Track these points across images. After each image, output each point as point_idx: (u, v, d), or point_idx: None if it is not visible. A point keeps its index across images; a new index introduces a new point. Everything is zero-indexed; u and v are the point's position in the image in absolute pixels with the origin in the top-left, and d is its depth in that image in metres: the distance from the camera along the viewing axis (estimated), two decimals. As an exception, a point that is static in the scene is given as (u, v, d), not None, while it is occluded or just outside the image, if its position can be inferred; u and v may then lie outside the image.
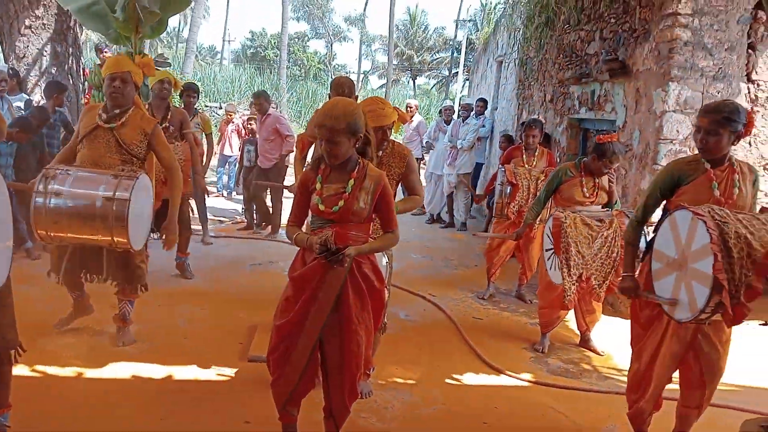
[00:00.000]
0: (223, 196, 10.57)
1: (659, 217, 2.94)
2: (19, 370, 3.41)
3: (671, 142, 4.94)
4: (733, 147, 2.87)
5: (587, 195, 4.30)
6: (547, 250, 4.25)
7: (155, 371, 3.67)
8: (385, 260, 3.29)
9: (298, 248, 2.73)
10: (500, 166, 5.65)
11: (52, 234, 3.45)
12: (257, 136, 7.81)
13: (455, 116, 9.95)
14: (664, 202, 2.99)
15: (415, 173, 3.49)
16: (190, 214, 5.67)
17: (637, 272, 3.05)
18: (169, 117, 5.33)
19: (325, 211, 2.60)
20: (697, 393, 2.94)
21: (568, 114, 6.80)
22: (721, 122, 2.75)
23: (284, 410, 2.75)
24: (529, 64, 8.39)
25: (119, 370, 3.66)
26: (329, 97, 3.59)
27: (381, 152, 3.35)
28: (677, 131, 4.93)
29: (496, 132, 9.91)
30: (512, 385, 3.86)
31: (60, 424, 2.99)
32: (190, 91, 6.63)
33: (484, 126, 9.23)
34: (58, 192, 3.35)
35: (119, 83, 3.60)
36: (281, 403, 2.74)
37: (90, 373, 3.59)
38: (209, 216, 7.44)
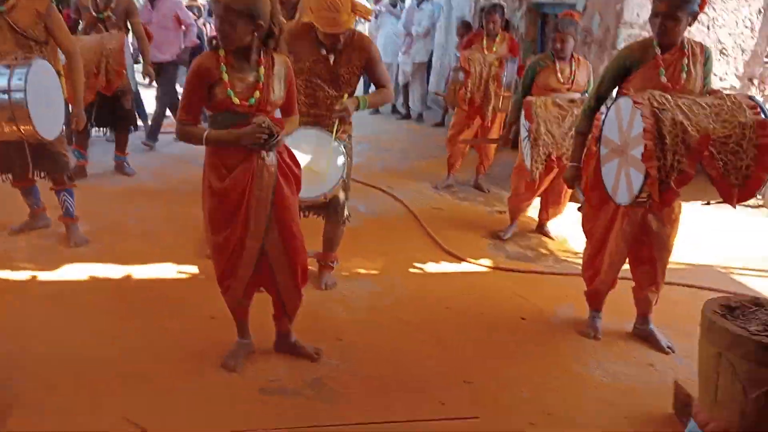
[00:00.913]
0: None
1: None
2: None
3: (631, 26, 4.85)
4: (689, 30, 2.83)
5: (562, 81, 4.24)
6: (524, 139, 4.19)
7: (112, 271, 3.58)
8: (342, 159, 3.19)
9: (209, 155, 2.52)
10: (456, 53, 5.46)
11: None
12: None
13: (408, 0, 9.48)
14: (617, 88, 2.97)
15: (380, 64, 3.30)
16: (133, 110, 5.35)
17: None
18: (112, 5, 4.91)
19: (240, 105, 2.37)
20: (648, 269, 3.06)
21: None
22: (680, 5, 2.68)
23: (239, 306, 2.71)
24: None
25: (74, 271, 3.55)
26: None
27: (339, 46, 3.14)
28: (638, 15, 4.82)
29: (453, 17, 9.56)
30: (473, 272, 3.95)
31: (17, 328, 2.91)
32: None
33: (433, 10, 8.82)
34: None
35: None
36: (234, 304, 2.69)
37: (44, 275, 3.48)
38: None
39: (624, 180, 2.71)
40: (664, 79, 2.80)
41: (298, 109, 2.71)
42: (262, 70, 2.39)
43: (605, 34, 5.04)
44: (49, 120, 3.42)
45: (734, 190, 2.53)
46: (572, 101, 4.11)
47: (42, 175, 3.76)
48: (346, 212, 3.43)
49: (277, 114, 2.60)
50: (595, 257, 3.15)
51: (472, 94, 5.13)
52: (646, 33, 4.84)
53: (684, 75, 2.81)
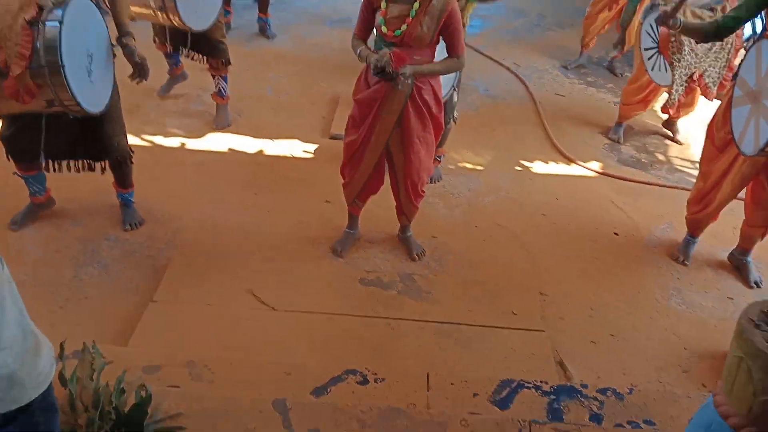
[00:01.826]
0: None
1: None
2: (132, 139, 3.92)
3: None
4: None
5: None
6: (646, 49, 3.88)
7: (248, 144, 4.06)
8: (456, 96, 3.27)
9: (362, 70, 2.79)
10: None
11: None
12: None
13: None
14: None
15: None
16: None
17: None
18: None
19: (388, 34, 2.56)
20: (761, 213, 2.97)
21: None
22: None
23: (353, 204, 3.12)
24: None
25: (216, 141, 4.07)
26: None
27: None
28: None
29: None
30: (579, 175, 4.01)
31: (170, 195, 3.51)
32: None
33: None
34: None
35: None
36: (350, 199, 3.10)
37: (192, 143, 4.04)
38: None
39: (753, 128, 2.58)
40: None
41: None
42: (416, 5, 2.51)
43: None
44: (201, 11, 3.67)
45: None
46: (712, 10, 3.68)
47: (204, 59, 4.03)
48: (455, 113, 3.57)
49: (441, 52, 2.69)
50: (705, 196, 3.09)
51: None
52: None
53: None
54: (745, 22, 2.80)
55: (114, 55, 2.89)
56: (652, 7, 3.83)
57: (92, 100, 2.73)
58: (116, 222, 3.22)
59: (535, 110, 4.73)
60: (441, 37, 2.64)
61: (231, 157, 3.95)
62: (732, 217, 3.31)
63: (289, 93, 4.77)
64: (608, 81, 5.31)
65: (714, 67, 3.82)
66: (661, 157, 4.27)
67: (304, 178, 3.77)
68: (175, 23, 3.61)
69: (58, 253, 3.02)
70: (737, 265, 3.23)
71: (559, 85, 5.21)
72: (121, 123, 3.01)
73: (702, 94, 4.02)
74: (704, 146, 3.08)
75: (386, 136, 2.79)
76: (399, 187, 2.99)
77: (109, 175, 3.12)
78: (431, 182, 3.77)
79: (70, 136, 2.87)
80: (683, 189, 3.74)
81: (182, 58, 4.23)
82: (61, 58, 2.50)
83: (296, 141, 4.13)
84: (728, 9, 3.68)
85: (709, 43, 3.65)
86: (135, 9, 3.59)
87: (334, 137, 4.15)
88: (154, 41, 4.14)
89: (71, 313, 2.72)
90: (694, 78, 3.79)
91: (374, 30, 2.71)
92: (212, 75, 4.15)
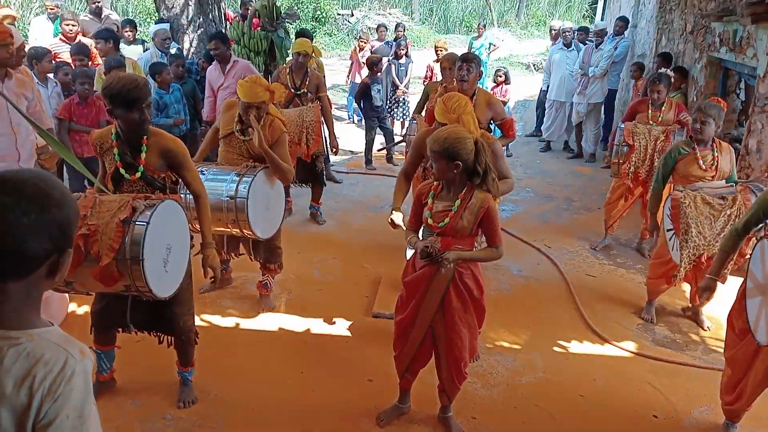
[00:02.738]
0: (353, 123, 11.02)
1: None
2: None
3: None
4: None
5: (705, 169, 4.20)
6: (668, 230, 4.21)
7: (296, 324, 4.34)
8: None
9: (411, 251, 3.15)
10: (620, 125, 5.46)
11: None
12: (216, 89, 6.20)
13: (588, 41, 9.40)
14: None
15: (502, 159, 3.68)
16: (323, 168, 6.18)
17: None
18: (306, 82, 5.79)
19: (433, 225, 2.96)
20: None
21: (708, 51, 6.32)
22: None
23: (404, 377, 3.31)
24: (673, -15, 7.71)
25: (268, 321, 4.37)
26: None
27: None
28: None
29: (636, 53, 9.34)
30: (614, 356, 4.11)
31: (223, 374, 3.74)
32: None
33: (617, 48, 8.69)
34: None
35: (255, 112, 3.98)
36: (401, 371, 3.31)
37: (245, 323, 4.35)
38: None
39: (765, 319, 2.73)
40: None
41: None
42: (458, 201, 2.93)
43: (785, 106, 4.80)
44: (268, 221, 4.11)
45: None
46: (723, 198, 4.03)
47: (259, 260, 4.43)
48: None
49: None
50: (736, 384, 3.15)
51: (636, 167, 5.19)
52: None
53: None
54: (753, 227, 3.08)
55: (192, 246, 3.30)
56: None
57: (163, 286, 3.09)
58: (173, 401, 3.42)
59: (567, 290, 4.95)
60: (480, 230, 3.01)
61: (280, 336, 4.22)
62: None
63: (335, 274, 5.14)
64: (637, 262, 5.56)
65: None
66: (695, 337, 4.36)
67: (348, 357, 3.97)
68: (246, 234, 3.98)
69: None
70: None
71: (589, 266, 5.48)
72: (189, 305, 3.34)
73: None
74: (726, 334, 3.22)
75: (431, 314, 3.05)
76: (442, 366, 3.17)
77: (169, 354, 3.40)
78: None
79: (147, 313, 3.22)
80: (719, 370, 3.79)
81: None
82: (142, 252, 2.91)
83: (341, 320, 4.40)
84: (739, 199, 4.02)
85: (718, 228, 3.94)
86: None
87: (376, 316, 4.41)
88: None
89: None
90: (703, 260, 4.02)
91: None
92: (263, 273, 4.49)
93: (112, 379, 3.51)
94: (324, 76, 6.97)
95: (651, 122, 5.32)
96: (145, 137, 3.03)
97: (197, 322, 4.20)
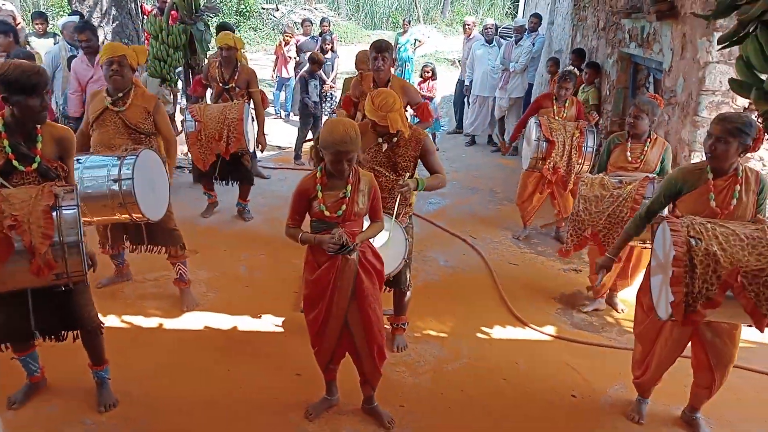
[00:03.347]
0: (281, 118, 10.90)
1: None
2: (112, 320, 4.11)
3: (713, 93, 4.88)
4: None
5: (630, 160, 4.39)
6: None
7: (222, 322, 4.26)
8: (404, 243, 3.64)
9: (307, 251, 3.13)
10: (536, 120, 5.62)
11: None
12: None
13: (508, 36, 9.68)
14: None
15: (433, 154, 3.67)
16: (251, 168, 6.06)
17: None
18: (236, 77, 5.67)
19: (330, 216, 2.96)
20: (706, 375, 3.20)
21: (619, 46, 6.64)
22: (732, 132, 2.87)
23: (327, 369, 3.30)
24: (586, -17, 8.04)
25: (192, 320, 4.27)
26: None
27: (395, 139, 3.57)
28: (720, 82, 4.85)
29: (553, 49, 9.68)
30: (535, 339, 4.27)
31: (146, 375, 3.64)
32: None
33: (534, 45, 8.99)
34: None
35: (117, 66, 3.95)
36: (323, 366, 3.29)
37: (168, 323, 4.23)
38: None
39: (664, 296, 2.89)
40: (713, 204, 3.00)
41: None
42: (349, 187, 2.96)
43: (688, 99, 5.10)
44: (155, 203, 3.96)
45: (765, 320, 2.63)
46: (620, 183, 4.20)
47: (163, 250, 4.33)
48: (408, 281, 3.87)
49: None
50: (644, 359, 3.35)
51: (555, 163, 5.40)
52: (729, 100, 4.88)
53: (734, 202, 2.98)
54: (656, 213, 3.28)
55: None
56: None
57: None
58: (92, 405, 3.29)
59: (491, 279, 5.10)
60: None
61: (206, 334, 4.13)
62: (683, 375, 3.52)
63: (262, 270, 5.08)
64: (557, 249, 5.77)
65: (609, 229, 4.15)
66: (610, 320, 4.59)
67: (276, 352, 3.94)
68: (135, 218, 3.80)
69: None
70: (688, 423, 3.41)
71: (511, 254, 5.66)
72: (89, 295, 3.16)
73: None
74: (635, 311, 3.42)
75: (345, 305, 3.05)
76: (361, 355, 3.17)
77: (85, 356, 3.26)
78: (397, 351, 3.98)
79: (51, 313, 3.04)
80: (632, 349, 4.00)
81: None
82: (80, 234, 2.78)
83: (269, 315, 4.36)
84: (633, 185, 4.16)
85: (603, 207, 4.13)
86: (96, 218, 3.82)
87: (303, 311, 4.38)
88: (101, 245, 4.39)
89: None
90: (586, 234, 4.24)
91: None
92: (172, 263, 4.38)
93: (44, 378, 3.40)
94: None
95: (556, 117, 5.57)
96: (38, 126, 2.89)
97: (118, 323, 4.11)
